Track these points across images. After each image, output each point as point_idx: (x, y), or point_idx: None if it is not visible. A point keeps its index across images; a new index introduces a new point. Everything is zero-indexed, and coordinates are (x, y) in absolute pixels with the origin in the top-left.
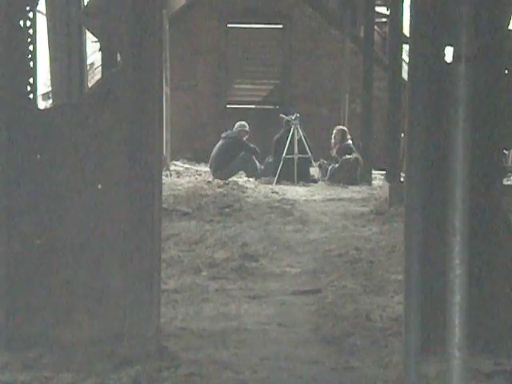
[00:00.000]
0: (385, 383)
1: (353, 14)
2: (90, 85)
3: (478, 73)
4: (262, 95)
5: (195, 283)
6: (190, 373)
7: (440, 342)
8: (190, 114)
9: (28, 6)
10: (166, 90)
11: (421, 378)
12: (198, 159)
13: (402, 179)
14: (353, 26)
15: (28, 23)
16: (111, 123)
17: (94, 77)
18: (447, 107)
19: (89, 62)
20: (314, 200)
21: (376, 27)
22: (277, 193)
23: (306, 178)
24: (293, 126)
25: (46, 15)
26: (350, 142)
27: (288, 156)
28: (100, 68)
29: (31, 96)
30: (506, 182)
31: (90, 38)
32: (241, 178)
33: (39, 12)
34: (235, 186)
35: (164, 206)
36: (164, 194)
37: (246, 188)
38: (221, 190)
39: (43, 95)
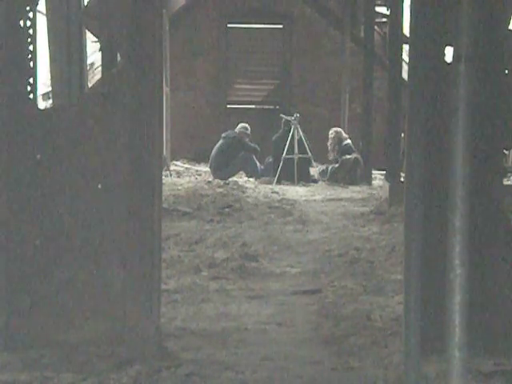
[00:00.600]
0: (385, 383)
1: (353, 14)
2: (90, 85)
3: (478, 73)
4: (262, 95)
5: (195, 283)
6: (189, 373)
7: (440, 342)
8: (190, 114)
9: (28, 6)
10: (165, 89)
11: (421, 378)
12: (198, 159)
13: (402, 179)
14: (353, 26)
15: (28, 23)
16: (111, 123)
17: (94, 77)
18: (447, 107)
19: (89, 62)
20: (314, 200)
21: (376, 27)
22: (277, 193)
23: (305, 178)
24: (293, 126)
25: (46, 15)
26: (348, 141)
27: (288, 156)
28: (100, 68)
29: (31, 96)
30: (506, 181)
31: (90, 37)
32: (241, 178)
33: (39, 12)
34: (235, 186)
35: (164, 205)
36: (164, 194)
37: (246, 188)
38: (221, 189)
39: (43, 95)
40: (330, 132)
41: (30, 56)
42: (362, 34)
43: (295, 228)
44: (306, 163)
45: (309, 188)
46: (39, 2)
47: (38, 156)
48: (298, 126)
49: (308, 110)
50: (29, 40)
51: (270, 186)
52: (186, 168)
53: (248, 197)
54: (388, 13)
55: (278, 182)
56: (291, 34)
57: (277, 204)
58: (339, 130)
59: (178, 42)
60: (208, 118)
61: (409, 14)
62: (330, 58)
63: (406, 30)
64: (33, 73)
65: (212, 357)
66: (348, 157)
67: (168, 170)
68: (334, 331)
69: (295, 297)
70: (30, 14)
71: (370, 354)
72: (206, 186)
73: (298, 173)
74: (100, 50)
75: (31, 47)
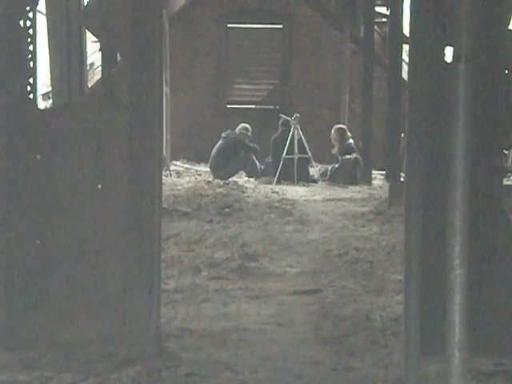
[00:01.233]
0: (385, 383)
1: (353, 14)
2: (90, 85)
3: (478, 73)
4: (262, 95)
5: (195, 283)
6: (189, 373)
7: (440, 342)
8: (190, 113)
9: (28, 6)
10: (165, 89)
11: (421, 378)
12: (198, 159)
13: (402, 179)
14: (353, 26)
15: (28, 23)
16: (111, 123)
17: (94, 77)
18: (447, 107)
19: (89, 62)
20: (314, 200)
21: (376, 27)
22: (277, 193)
23: (305, 178)
24: (293, 126)
25: (46, 15)
26: (351, 141)
27: (288, 156)
28: (100, 68)
29: (31, 96)
30: (506, 181)
31: (90, 38)
32: (241, 178)
33: (39, 12)
34: (235, 186)
35: (164, 205)
36: (164, 194)
37: (246, 188)
38: (221, 189)
39: (43, 95)
40: (336, 127)
41: (30, 56)
42: (362, 34)
43: (295, 228)
44: (306, 163)
45: (309, 188)
46: (39, 2)
47: (38, 156)
48: (298, 126)
49: (308, 110)
50: (29, 40)
51: (270, 186)
52: (186, 168)
53: (248, 197)
54: (388, 13)
55: (278, 182)
56: (291, 34)
57: (277, 204)
58: (343, 127)
59: (177, 42)
60: (208, 118)
61: (409, 14)
62: (330, 58)
63: (406, 30)
64: (33, 73)
65: (212, 357)
66: (348, 157)
67: (168, 169)
68: (333, 331)
69: (295, 297)
70: (30, 14)
71: (370, 353)
72: (205, 186)
73: (298, 173)
74: (100, 50)
75: (31, 47)
